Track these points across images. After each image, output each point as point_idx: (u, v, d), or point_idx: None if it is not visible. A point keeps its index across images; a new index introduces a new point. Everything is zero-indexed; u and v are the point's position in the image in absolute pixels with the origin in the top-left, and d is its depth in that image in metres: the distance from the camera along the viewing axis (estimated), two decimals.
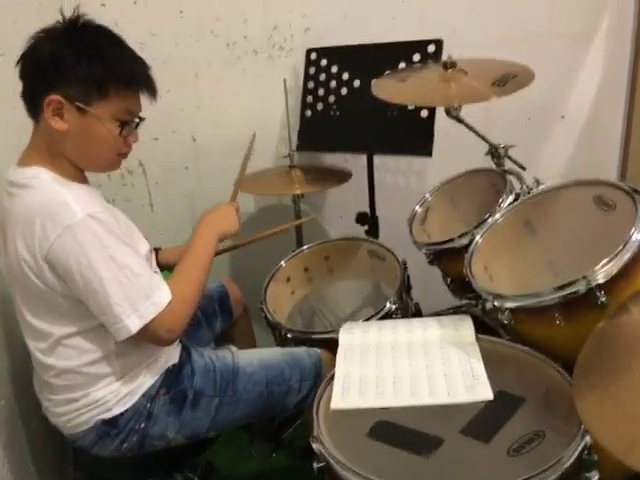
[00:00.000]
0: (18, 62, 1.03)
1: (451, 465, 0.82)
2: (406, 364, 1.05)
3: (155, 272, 1.17)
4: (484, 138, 1.59)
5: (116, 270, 0.97)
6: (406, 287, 1.44)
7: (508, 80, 1.37)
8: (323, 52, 1.82)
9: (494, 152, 1.56)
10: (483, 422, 0.88)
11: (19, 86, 1.04)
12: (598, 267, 0.94)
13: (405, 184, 2.21)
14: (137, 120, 1.09)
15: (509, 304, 1.03)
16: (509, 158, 1.60)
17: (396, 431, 0.89)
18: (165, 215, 1.89)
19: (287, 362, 1.23)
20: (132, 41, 1.65)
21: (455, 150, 1.81)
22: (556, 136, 2.34)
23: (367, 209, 1.85)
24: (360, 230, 1.87)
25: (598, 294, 0.93)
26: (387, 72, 1.61)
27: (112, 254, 0.97)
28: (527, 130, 2.30)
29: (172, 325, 1.04)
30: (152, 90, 1.10)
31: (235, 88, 1.85)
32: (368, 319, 1.29)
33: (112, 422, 1.07)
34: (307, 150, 1.86)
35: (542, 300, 1.00)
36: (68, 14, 1.56)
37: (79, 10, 1.07)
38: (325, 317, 1.57)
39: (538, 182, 1.34)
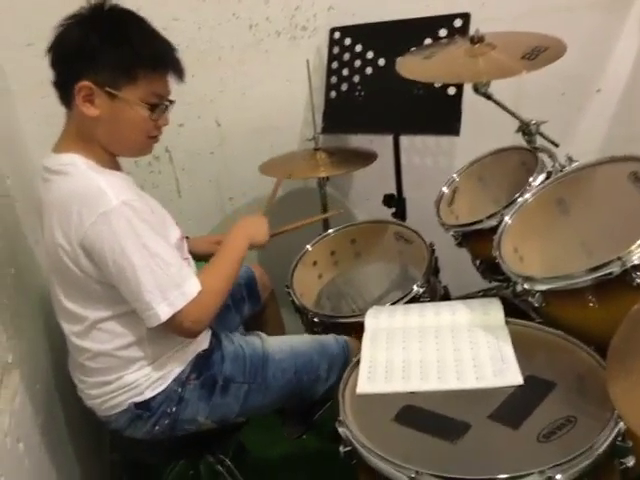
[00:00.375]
0: (48, 51, 1.04)
1: (479, 451, 0.81)
2: (433, 348, 1.03)
3: (186, 258, 1.18)
4: (514, 114, 1.54)
5: (148, 258, 0.98)
6: (434, 270, 1.41)
7: (539, 53, 1.31)
8: (346, 31, 1.78)
9: (525, 129, 1.51)
10: (512, 407, 0.86)
11: (48, 75, 1.05)
12: (634, 247, 0.90)
13: (433, 164, 2.17)
14: (167, 103, 1.10)
15: (540, 286, 1.00)
16: (541, 135, 1.55)
17: (423, 416, 0.88)
18: (192, 201, 1.90)
19: (316, 350, 1.22)
20: (155, 26, 1.69)
21: (485, 128, 1.76)
22: (592, 111, 2.25)
23: (394, 191, 1.83)
24: (387, 212, 1.85)
25: (634, 275, 0.90)
26: (412, 49, 1.57)
27: (145, 242, 0.98)
28: (561, 105, 2.22)
29: (199, 316, 1.04)
30: (179, 72, 1.10)
31: (258, 71, 1.83)
32: (395, 303, 1.28)
33: (144, 405, 1.09)
34: (332, 132, 1.84)
35: (575, 282, 0.96)
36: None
37: None
38: (353, 301, 1.56)
39: (571, 159, 1.29)
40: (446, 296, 1.47)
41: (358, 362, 1.04)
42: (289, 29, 1.82)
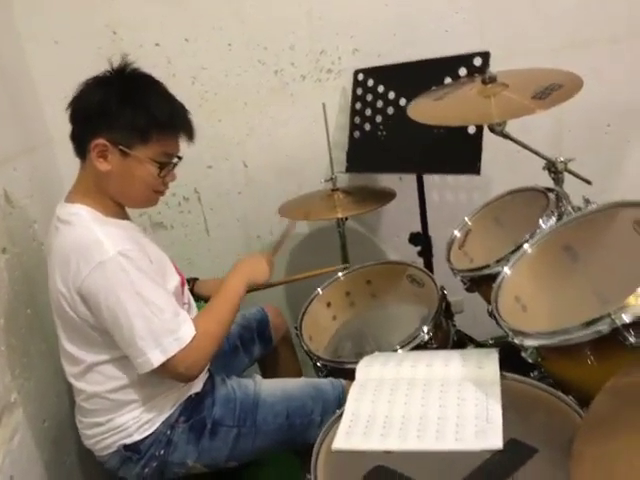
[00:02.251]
0: (68, 107, 1.12)
1: None
2: (419, 403, 0.99)
3: (185, 303, 1.21)
4: (537, 153, 1.48)
5: (142, 305, 1.01)
6: (445, 314, 1.36)
7: (552, 91, 1.26)
8: (369, 72, 1.80)
9: (551, 167, 1.45)
10: (486, 474, 0.80)
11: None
12: (625, 303, 0.83)
13: (467, 200, 2.11)
14: (175, 161, 1.16)
15: (530, 342, 0.94)
16: (570, 172, 1.47)
17: (391, 479, 0.84)
18: (220, 239, 1.95)
19: (310, 394, 1.21)
20: (184, 76, 1.79)
21: (520, 162, 1.70)
22: None
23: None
24: (414, 250, 1.82)
25: (626, 334, 0.82)
26: (433, 88, 1.56)
27: (139, 290, 1.02)
28: (607, 138, 2.11)
29: (193, 361, 1.06)
30: (190, 133, 1.16)
31: (284, 113, 1.87)
32: (399, 348, 1.24)
33: (133, 447, 1.11)
34: (356, 172, 1.85)
35: (567, 339, 0.90)
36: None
37: (127, 59, 1.16)
38: (367, 343, 1.53)
39: (588, 201, 1.21)
40: (460, 341, 1.41)
41: (341, 414, 1.01)
42: (314, 72, 1.86)
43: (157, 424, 1.12)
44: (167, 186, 1.18)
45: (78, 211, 1.09)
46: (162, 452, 1.12)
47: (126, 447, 1.11)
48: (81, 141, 1.10)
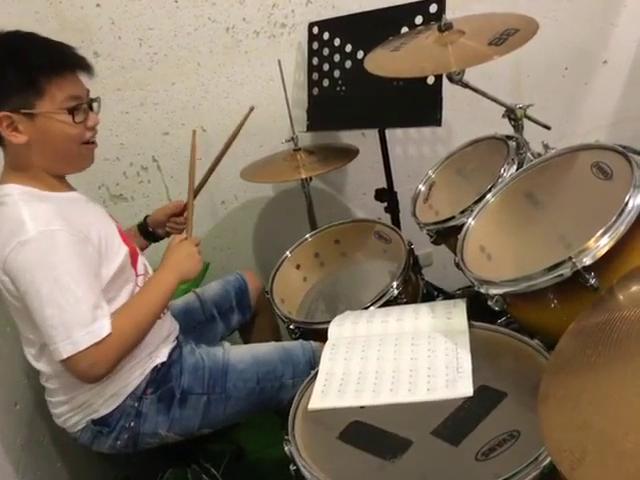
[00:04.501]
0: None
1: (414, 471, 0.78)
2: (391, 357, 1.00)
3: (141, 274, 1.18)
4: (496, 100, 1.47)
5: (57, 292, 0.96)
6: (413, 268, 1.37)
7: (509, 36, 1.24)
8: (324, 25, 1.74)
9: (510, 114, 1.44)
10: (457, 422, 0.83)
11: None
12: (585, 247, 0.84)
13: (431, 153, 2.11)
14: (87, 102, 1.09)
15: (495, 290, 0.95)
16: (529, 118, 1.48)
17: (367, 433, 0.86)
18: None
19: (280, 358, 1.21)
20: (131, 37, 1.70)
21: (483, 111, 1.69)
22: (599, 84, 2.13)
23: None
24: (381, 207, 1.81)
25: (587, 277, 0.84)
26: (390, 38, 1.52)
27: (57, 275, 0.96)
28: (565, 80, 2.11)
29: (98, 360, 0.99)
30: (85, 67, 1.08)
31: (239, 73, 1.81)
32: (370, 305, 1.25)
33: (102, 421, 1.11)
34: (317, 130, 1.82)
35: (532, 284, 0.91)
36: (65, 20, 1.63)
37: None
38: (339, 302, 1.54)
39: (547, 147, 1.22)
40: (429, 294, 1.43)
41: (316, 375, 1.02)
42: (267, 27, 1.79)
43: (122, 397, 1.11)
44: (93, 131, 1.11)
45: (9, 191, 1.04)
46: (132, 424, 1.12)
47: (94, 422, 1.11)
48: None
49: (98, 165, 1.75)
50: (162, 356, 1.17)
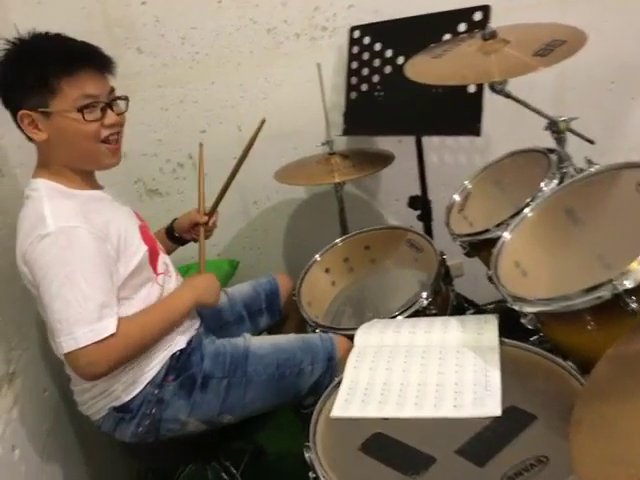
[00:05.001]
0: None
1: None
2: (417, 370, 0.99)
3: (161, 273, 1.20)
4: (539, 112, 1.44)
5: (67, 288, 0.97)
6: (444, 279, 1.35)
7: (555, 47, 1.21)
8: (366, 29, 1.74)
9: (553, 127, 1.41)
10: (482, 442, 0.81)
11: None
12: (626, 269, 0.81)
13: (467, 162, 2.07)
14: (103, 101, 1.08)
15: (529, 308, 0.93)
16: (572, 132, 1.44)
17: (389, 446, 0.85)
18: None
19: (299, 346, 1.23)
20: (174, 36, 1.72)
21: (523, 122, 1.65)
22: None
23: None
24: (414, 214, 1.79)
25: (628, 300, 0.81)
26: (432, 45, 1.50)
27: (69, 272, 0.98)
28: (611, 94, 2.05)
29: (98, 359, 0.99)
30: (100, 64, 1.08)
31: (278, 74, 1.82)
32: (397, 315, 1.24)
33: (124, 408, 1.12)
34: (353, 134, 1.81)
35: (568, 305, 0.88)
36: (112, 16, 1.66)
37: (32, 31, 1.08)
38: (367, 308, 1.52)
39: (590, 162, 1.18)
40: (460, 306, 1.40)
41: (340, 382, 1.01)
42: (308, 30, 1.79)
43: (142, 384, 1.12)
44: (112, 128, 1.10)
45: (38, 186, 1.07)
46: (153, 410, 1.13)
47: (116, 409, 1.12)
48: (16, 122, 1.06)
49: (135, 160, 1.81)
50: (180, 343, 1.18)
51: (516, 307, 0.94)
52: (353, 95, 1.76)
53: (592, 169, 1.09)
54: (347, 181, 1.65)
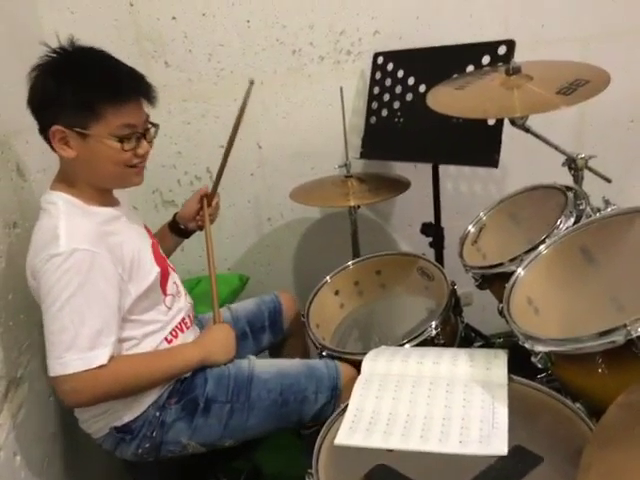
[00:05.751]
0: (27, 104, 1.07)
1: None
2: (424, 402, 0.98)
3: (170, 295, 1.20)
4: (558, 148, 1.45)
5: (66, 311, 0.97)
6: (454, 310, 1.35)
7: (578, 87, 1.22)
8: (389, 56, 1.76)
9: (571, 164, 1.41)
10: None
11: None
12: None
13: (483, 192, 2.08)
14: (140, 132, 1.09)
15: (541, 347, 0.92)
16: (590, 170, 1.44)
17: (392, 478, 0.84)
18: (231, 220, 1.93)
19: (304, 372, 1.22)
20: (201, 52, 1.75)
21: (541, 155, 1.66)
22: None
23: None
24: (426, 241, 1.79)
25: None
26: (454, 76, 1.52)
27: (70, 296, 0.97)
28: (629, 133, 2.06)
29: (82, 387, 0.99)
30: (147, 96, 1.09)
31: (300, 95, 1.84)
32: (406, 343, 1.23)
33: (124, 429, 1.11)
34: (370, 158, 1.83)
35: (580, 347, 0.88)
36: (142, 28, 1.69)
37: (72, 39, 1.08)
38: (374, 333, 1.52)
39: (608, 202, 1.18)
40: (467, 337, 1.40)
41: (346, 408, 1.00)
42: (333, 54, 1.82)
43: (145, 405, 1.12)
44: (143, 158, 1.12)
45: (56, 200, 1.07)
46: (154, 433, 1.12)
47: (117, 429, 1.11)
48: (44, 134, 1.06)
49: (154, 170, 1.83)
50: None
51: (527, 345, 0.94)
52: (373, 120, 1.78)
53: (610, 210, 1.09)
54: (362, 205, 1.65)
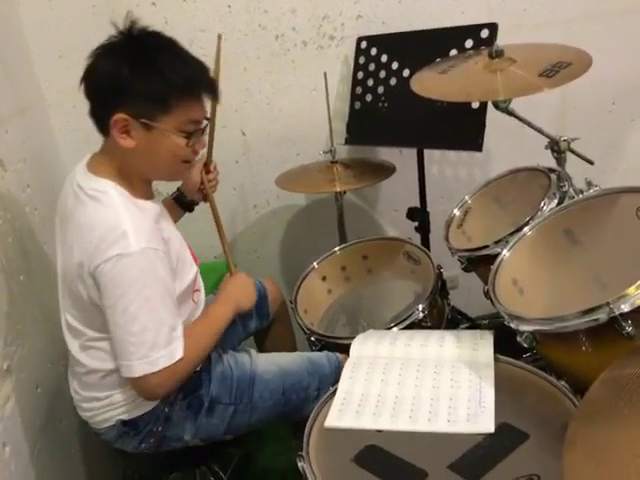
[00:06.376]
0: (81, 81, 1.02)
1: None
2: (412, 383, 0.99)
3: (197, 290, 1.19)
4: (541, 131, 1.46)
5: (146, 311, 0.97)
6: (440, 293, 1.36)
7: (561, 69, 1.23)
8: (373, 40, 1.75)
9: (554, 146, 1.42)
10: (476, 458, 0.81)
11: (78, 85, 1.03)
12: (624, 293, 0.82)
13: (467, 176, 2.09)
14: (202, 127, 1.07)
15: (526, 327, 0.93)
16: (573, 152, 1.45)
17: (382, 459, 0.85)
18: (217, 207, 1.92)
19: (307, 369, 1.21)
20: (181, 38, 1.69)
21: (524, 138, 1.67)
22: None
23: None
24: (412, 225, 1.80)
25: (624, 324, 0.82)
26: (437, 60, 1.52)
27: (148, 295, 0.97)
28: (611, 115, 2.08)
29: (165, 380, 1.01)
30: (214, 93, 1.07)
31: (284, 81, 1.82)
32: (393, 326, 1.25)
33: (131, 423, 1.11)
34: (355, 144, 1.82)
35: (565, 326, 0.89)
36: (121, 15, 1.66)
37: (131, 17, 1.04)
38: (362, 318, 1.53)
39: (590, 184, 1.20)
40: (453, 320, 1.41)
41: (335, 391, 1.01)
42: (316, 39, 1.81)
43: (156, 401, 1.11)
44: (197, 154, 1.09)
45: (107, 189, 1.02)
46: (160, 429, 1.12)
47: (124, 423, 1.11)
48: (100, 118, 1.02)
49: None
50: None
51: (512, 325, 0.95)
52: (357, 105, 1.78)
53: (592, 191, 1.10)
54: (348, 190, 1.65)
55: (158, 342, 0.98)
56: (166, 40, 1.05)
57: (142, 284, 0.96)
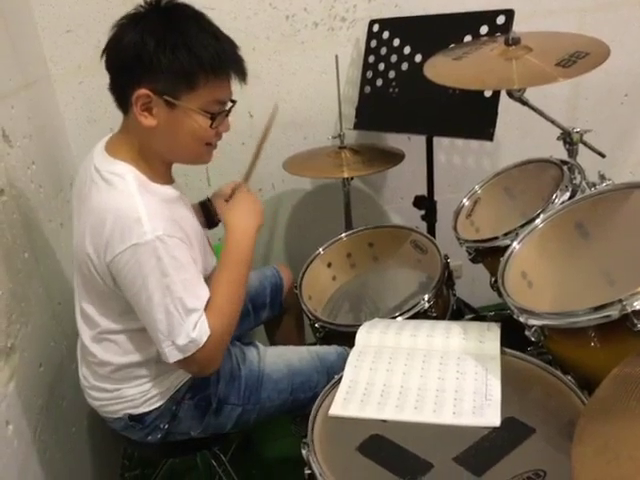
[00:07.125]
0: (103, 54, 0.97)
1: None
2: (418, 374, 0.99)
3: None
4: (554, 122, 1.44)
5: (168, 298, 0.94)
6: (447, 283, 1.35)
7: (578, 59, 1.20)
8: (385, 23, 1.72)
9: (566, 138, 1.41)
10: (481, 451, 0.81)
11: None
12: (638, 290, 0.81)
13: (476, 165, 2.07)
14: (227, 108, 1.02)
15: (535, 321, 0.93)
16: (585, 144, 1.44)
17: (387, 448, 0.85)
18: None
19: (315, 367, 1.19)
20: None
21: (535, 128, 1.64)
22: None
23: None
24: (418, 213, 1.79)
25: (636, 321, 0.81)
26: (451, 46, 1.49)
27: (169, 283, 0.94)
28: (623, 107, 2.05)
29: (207, 360, 1.01)
30: (242, 72, 1.01)
31: (293, 62, 1.80)
32: (398, 316, 1.24)
33: (138, 418, 1.10)
34: (363, 129, 1.79)
35: (575, 321, 0.88)
36: None
37: None
38: (365, 306, 1.53)
39: (603, 177, 1.18)
40: (458, 310, 1.41)
41: (340, 379, 1.01)
42: (327, 20, 1.78)
43: (164, 399, 1.10)
44: (220, 137, 1.05)
45: (123, 173, 0.97)
46: (166, 425, 1.11)
47: (131, 417, 1.10)
48: (121, 93, 0.97)
49: None
50: None
51: (521, 319, 0.94)
52: (367, 89, 1.75)
53: (605, 185, 1.09)
54: (356, 177, 1.63)
55: (184, 329, 0.96)
56: (196, 13, 0.98)
57: (161, 271, 0.93)
